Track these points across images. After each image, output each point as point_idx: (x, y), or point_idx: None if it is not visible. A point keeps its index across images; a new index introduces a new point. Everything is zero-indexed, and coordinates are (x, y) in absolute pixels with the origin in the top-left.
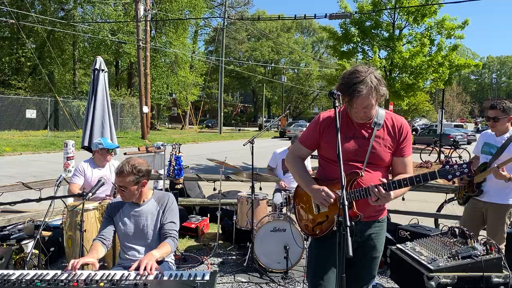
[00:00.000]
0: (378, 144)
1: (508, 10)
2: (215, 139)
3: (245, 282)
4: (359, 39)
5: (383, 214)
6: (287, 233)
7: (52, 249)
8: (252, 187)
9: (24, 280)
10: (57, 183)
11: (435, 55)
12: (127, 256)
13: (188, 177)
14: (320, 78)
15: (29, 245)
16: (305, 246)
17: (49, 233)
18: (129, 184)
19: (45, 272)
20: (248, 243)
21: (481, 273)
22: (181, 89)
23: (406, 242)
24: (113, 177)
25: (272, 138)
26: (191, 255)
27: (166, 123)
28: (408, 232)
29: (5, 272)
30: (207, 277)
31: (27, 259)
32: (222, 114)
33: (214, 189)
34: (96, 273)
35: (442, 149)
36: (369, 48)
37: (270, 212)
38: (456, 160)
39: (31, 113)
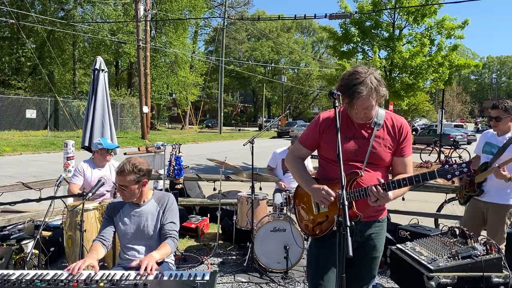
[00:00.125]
0: (378, 144)
1: (508, 10)
2: (215, 139)
3: (245, 282)
4: (359, 39)
5: (383, 214)
6: (287, 233)
7: (52, 249)
8: (252, 187)
9: (24, 280)
10: (57, 183)
11: (435, 55)
12: (127, 256)
13: (188, 177)
14: (320, 78)
15: (29, 245)
16: (305, 246)
17: (49, 233)
18: (130, 183)
19: (45, 272)
20: (248, 243)
21: (481, 273)
22: (181, 89)
23: (406, 242)
24: (113, 177)
25: (270, 138)
26: (191, 255)
27: (166, 123)
28: (408, 232)
29: (5, 272)
30: (207, 277)
31: (27, 259)
32: (222, 114)
33: (214, 189)
34: (96, 273)
35: (442, 149)
36: (369, 48)
37: (270, 212)
38: (455, 160)
39: (31, 113)
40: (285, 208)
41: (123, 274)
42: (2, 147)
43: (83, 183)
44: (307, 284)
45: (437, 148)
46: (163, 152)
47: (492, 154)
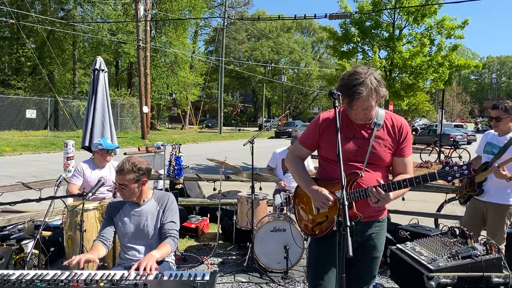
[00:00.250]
0: (378, 144)
1: (508, 10)
2: (215, 139)
3: (245, 282)
4: (359, 39)
5: (383, 214)
6: (287, 233)
7: (52, 249)
8: (252, 187)
9: (24, 280)
10: (57, 183)
11: (435, 55)
12: (127, 256)
13: (188, 177)
14: (320, 78)
15: (29, 245)
16: (305, 246)
17: (49, 233)
18: (129, 182)
19: (45, 272)
20: (248, 243)
21: (481, 273)
22: (181, 89)
23: (406, 242)
24: (113, 177)
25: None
26: (191, 255)
27: (166, 123)
28: (408, 232)
29: (5, 272)
30: (207, 277)
31: (27, 259)
32: (222, 114)
33: (214, 189)
34: (96, 273)
35: (442, 149)
36: (369, 48)
37: (270, 212)
38: (456, 161)
39: (31, 113)
40: (285, 208)
41: (123, 274)
42: (2, 147)
43: (82, 183)
44: (307, 284)
45: (437, 148)
46: (163, 152)
47: (493, 154)
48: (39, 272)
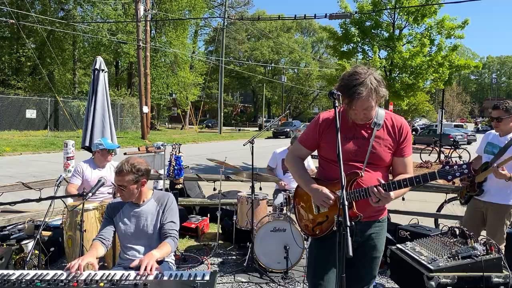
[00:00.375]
0: (378, 144)
1: (508, 10)
2: (215, 139)
3: (245, 282)
4: (359, 39)
5: (383, 214)
6: (287, 233)
7: (52, 249)
8: (252, 187)
9: (24, 280)
10: (57, 183)
11: (435, 55)
12: (127, 256)
13: (188, 177)
14: (320, 78)
15: (29, 245)
16: (305, 246)
17: (49, 233)
18: (129, 183)
19: (45, 272)
20: (248, 243)
21: (481, 273)
22: (181, 89)
23: (406, 242)
24: (113, 177)
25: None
26: (191, 255)
27: (166, 123)
28: (408, 232)
29: (5, 272)
30: (207, 277)
31: (27, 259)
32: (222, 114)
33: (214, 189)
34: (96, 273)
35: (442, 149)
36: (369, 48)
37: (270, 212)
38: (456, 161)
39: (31, 113)
40: (285, 208)
41: (123, 274)
42: (2, 147)
43: (83, 183)
44: (307, 284)
45: (437, 148)
46: (163, 152)
47: (493, 155)
48: (39, 272)
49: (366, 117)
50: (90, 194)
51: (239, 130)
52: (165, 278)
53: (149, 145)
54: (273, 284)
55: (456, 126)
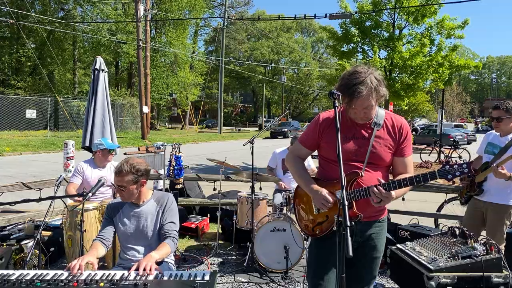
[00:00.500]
0: (378, 144)
1: (508, 10)
2: (215, 139)
3: (245, 282)
4: (359, 39)
5: (383, 214)
6: (287, 233)
7: (52, 249)
8: (252, 187)
9: (24, 280)
10: (57, 183)
11: (435, 55)
12: (127, 257)
13: (188, 177)
14: (320, 78)
15: (29, 245)
16: (305, 246)
17: (49, 233)
18: (128, 184)
19: (45, 272)
20: (248, 243)
21: (481, 273)
22: (181, 89)
23: (406, 242)
24: (113, 177)
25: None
26: (191, 255)
27: (166, 123)
28: (408, 232)
29: (5, 272)
30: (207, 277)
31: (27, 259)
32: (222, 114)
33: (214, 189)
34: (96, 273)
35: (442, 149)
36: (369, 48)
37: (270, 212)
38: (456, 160)
39: (31, 113)
40: (285, 208)
41: (123, 274)
42: (2, 147)
43: (83, 183)
44: (307, 284)
45: (437, 148)
46: (163, 152)
47: (494, 155)
48: (39, 272)
49: (366, 117)
50: (90, 194)
51: (239, 130)
52: (165, 278)
53: (149, 145)
54: (273, 284)
55: (456, 126)
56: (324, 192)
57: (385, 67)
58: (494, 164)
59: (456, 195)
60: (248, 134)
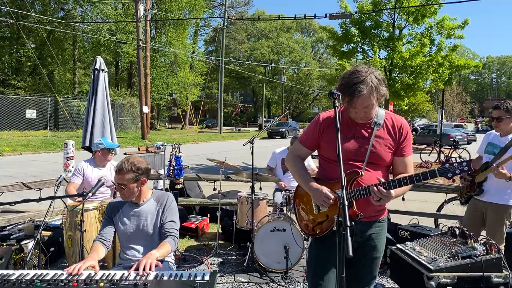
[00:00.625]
0: (379, 143)
1: (508, 10)
2: (215, 139)
3: (245, 282)
4: (359, 39)
5: (383, 214)
6: (287, 233)
7: (52, 249)
8: (252, 187)
9: (24, 280)
10: (57, 183)
11: (435, 55)
12: (127, 256)
13: (188, 177)
14: (320, 78)
15: (29, 245)
16: (305, 246)
17: (49, 233)
18: (128, 182)
19: (45, 272)
20: (248, 243)
21: (481, 273)
22: (181, 89)
23: (406, 242)
24: (113, 177)
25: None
26: (191, 255)
27: (166, 123)
28: (408, 232)
29: (5, 272)
30: (207, 277)
31: (27, 259)
32: (222, 114)
33: (214, 189)
34: (96, 273)
35: (442, 149)
36: (369, 48)
37: (270, 212)
38: (456, 159)
39: (31, 113)
40: (285, 208)
41: (123, 274)
42: (2, 147)
43: (83, 182)
44: (307, 284)
45: (437, 148)
46: (163, 152)
47: (494, 155)
48: (39, 272)
49: (367, 116)
50: (90, 194)
51: (239, 130)
52: (165, 278)
53: (149, 145)
54: (273, 284)
55: (456, 126)
56: (325, 189)
57: (385, 67)
58: (494, 164)
59: (456, 195)
60: (248, 134)
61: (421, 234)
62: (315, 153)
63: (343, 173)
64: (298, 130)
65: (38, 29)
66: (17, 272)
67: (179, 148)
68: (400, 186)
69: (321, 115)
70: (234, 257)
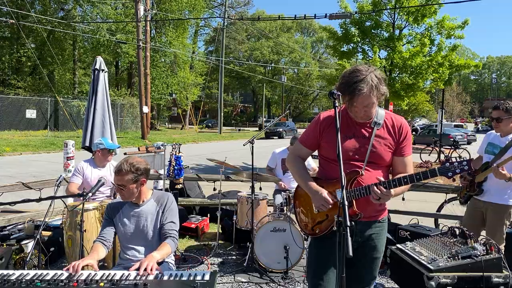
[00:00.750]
0: (379, 143)
1: (508, 10)
2: (215, 139)
3: (245, 282)
4: (359, 39)
5: (383, 214)
6: (287, 233)
7: (52, 249)
8: (252, 187)
9: (24, 280)
10: (57, 183)
11: (435, 55)
12: (127, 256)
13: (188, 177)
14: (320, 78)
15: (29, 245)
16: (305, 246)
17: (49, 233)
18: (128, 183)
19: (45, 272)
20: (248, 243)
21: (481, 273)
22: (181, 89)
23: (406, 242)
24: (113, 177)
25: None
26: (191, 255)
27: (166, 123)
28: (408, 232)
29: (5, 272)
30: (207, 277)
31: (27, 259)
32: (222, 114)
33: (214, 189)
34: (96, 273)
35: (442, 149)
36: (369, 48)
37: (270, 212)
38: (456, 159)
39: (31, 113)
40: (285, 208)
41: (123, 274)
42: (2, 147)
43: (83, 182)
44: (307, 284)
45: (437, 148)
46: (163, 152)
47: (494, 155)
48: (39, 272)
49: (367, 115)
50: (90, 194)
51: (239, 130)
52: (165, 278)
53: (149, 145)
54: (273, 284)
55: (456, 126)
56: (324, 193)
57: (385, 67)
58: (495, 165)
59: (456, 195)
60: (248, 134)
61: (421, 234)
62: (315, 153)
63: (343, 172)
64: (296, 131)
65: (38, 29)
66: (17, 272)
67: (179, 148)
68: (400, 185)
69: (322, 115)
70: (234, 257)
